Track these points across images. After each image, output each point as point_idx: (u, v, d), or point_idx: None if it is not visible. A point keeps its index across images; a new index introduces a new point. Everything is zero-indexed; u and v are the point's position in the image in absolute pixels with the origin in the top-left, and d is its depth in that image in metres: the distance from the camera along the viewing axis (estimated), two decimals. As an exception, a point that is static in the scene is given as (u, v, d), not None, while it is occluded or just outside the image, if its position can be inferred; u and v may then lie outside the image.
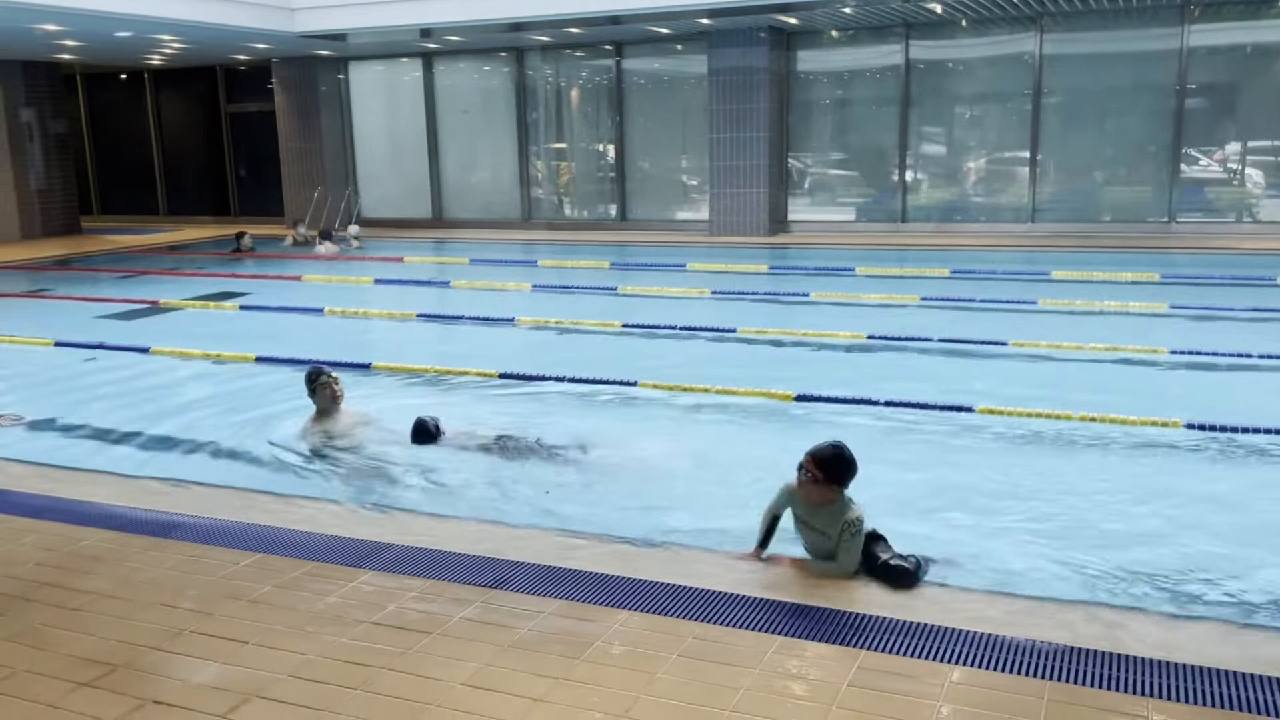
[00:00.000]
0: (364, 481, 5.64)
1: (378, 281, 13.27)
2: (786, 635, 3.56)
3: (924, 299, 10.72)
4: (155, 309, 11.34)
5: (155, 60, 20.18)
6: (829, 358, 8.59)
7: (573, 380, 7.49)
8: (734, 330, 9.32)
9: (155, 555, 4.38)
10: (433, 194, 19.57)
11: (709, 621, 3.67)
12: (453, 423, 6.33)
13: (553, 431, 6.29)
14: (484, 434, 6.23)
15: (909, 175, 16.71)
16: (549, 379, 7.57)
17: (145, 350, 8.89)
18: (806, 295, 11.25)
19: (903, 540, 4.22)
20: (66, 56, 18.79)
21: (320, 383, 6.28)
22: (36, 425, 6.82)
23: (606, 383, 7.43)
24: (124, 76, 22.48)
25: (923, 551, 4.19)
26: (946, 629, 3.58)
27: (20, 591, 4.04)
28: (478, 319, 10.13)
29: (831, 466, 4.12)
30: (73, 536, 4.61)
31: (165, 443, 6.43)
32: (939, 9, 14.67)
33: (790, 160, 17.31)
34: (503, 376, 7.71)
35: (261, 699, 3.23)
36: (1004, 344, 8.45)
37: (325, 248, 16.18)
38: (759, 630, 3.60)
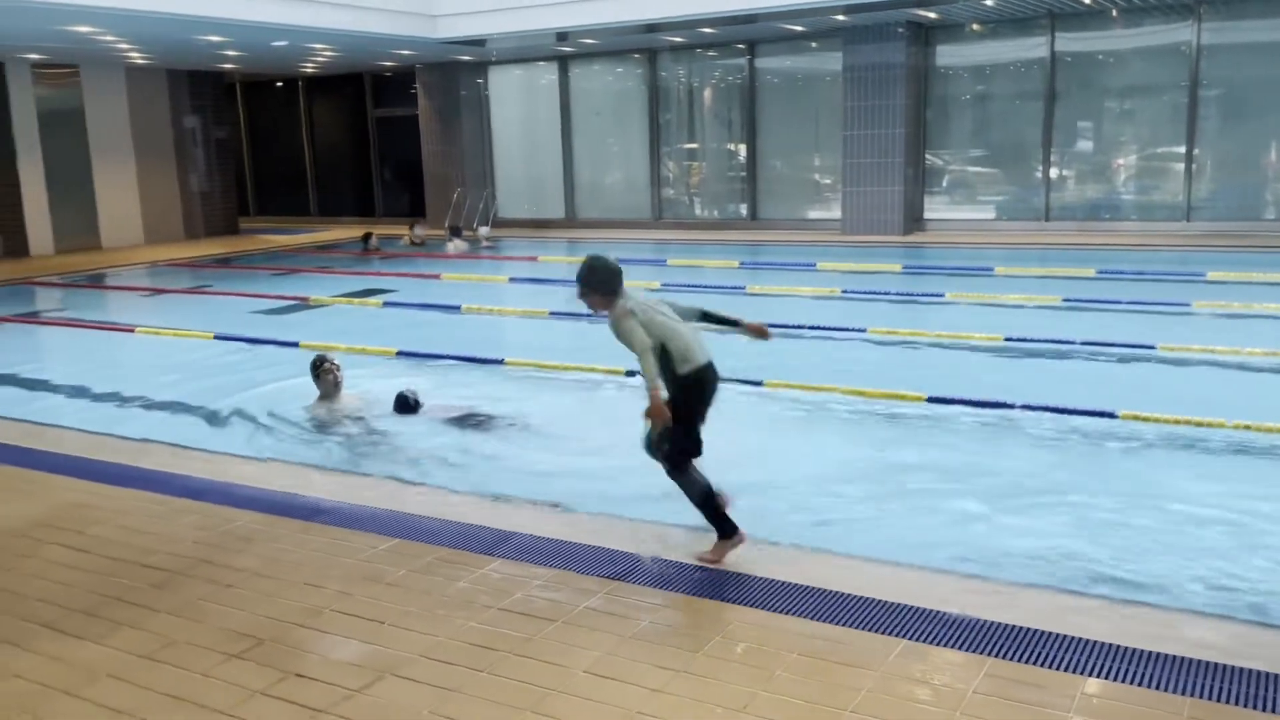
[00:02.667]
0: (472, 469, 5.81)
1: (512, 280, 13.60)
2: (911, 639, 3.51)
3: (1067, 300, 10.32)
4: (305, 305, 11.92)
5: (308, 68, 21.20)
6: (964, 359, 8.37)
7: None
8: (864, 330, 9.17)
9: (301, 537, 4.63)
10: (566, 194, 19.92)
11: (831, 622, 3.64)
12: (431, 399, 6.93)
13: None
14: (461, 408, 6.81)
15: (1054, 172, 16.09)
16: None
17: (295, 345, 9.36)
18: (941, 295, 10.97)
19: (1046, 543, 4.09)
20: (228, 66, 19.94)
21: (324, 369, 6.90)
22: (196, 412, 7.27)
23: (732, 380, 7.42)
24: (279, 84, 23.69)
25: (1071, 563, 4.05)
26: (1080, 639, 3.46)
27: (180, 568, 4.33)
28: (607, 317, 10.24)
29: (581, 278, 4.28)
30: (226, 517, 4.91)
31: (307, 432, 6.76)
32: (1089, 0, 14.08)
33: (927, 157, 16.91)
34: (629, 374, 7.80)
35: (395, 677, 3.38)
36: (1152, 347, 8.06)
37: (454, 245, 16.65)
38: (883, 633, 3.56)
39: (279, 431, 6.72)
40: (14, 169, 17.22)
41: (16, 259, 17.11)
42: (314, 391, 7.07)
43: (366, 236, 17.33)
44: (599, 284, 4.26)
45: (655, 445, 4.22)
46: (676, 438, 4.15)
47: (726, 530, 4.19)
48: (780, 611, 3.73)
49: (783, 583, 3.97)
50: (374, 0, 15.15)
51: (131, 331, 10.53)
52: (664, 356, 4.13)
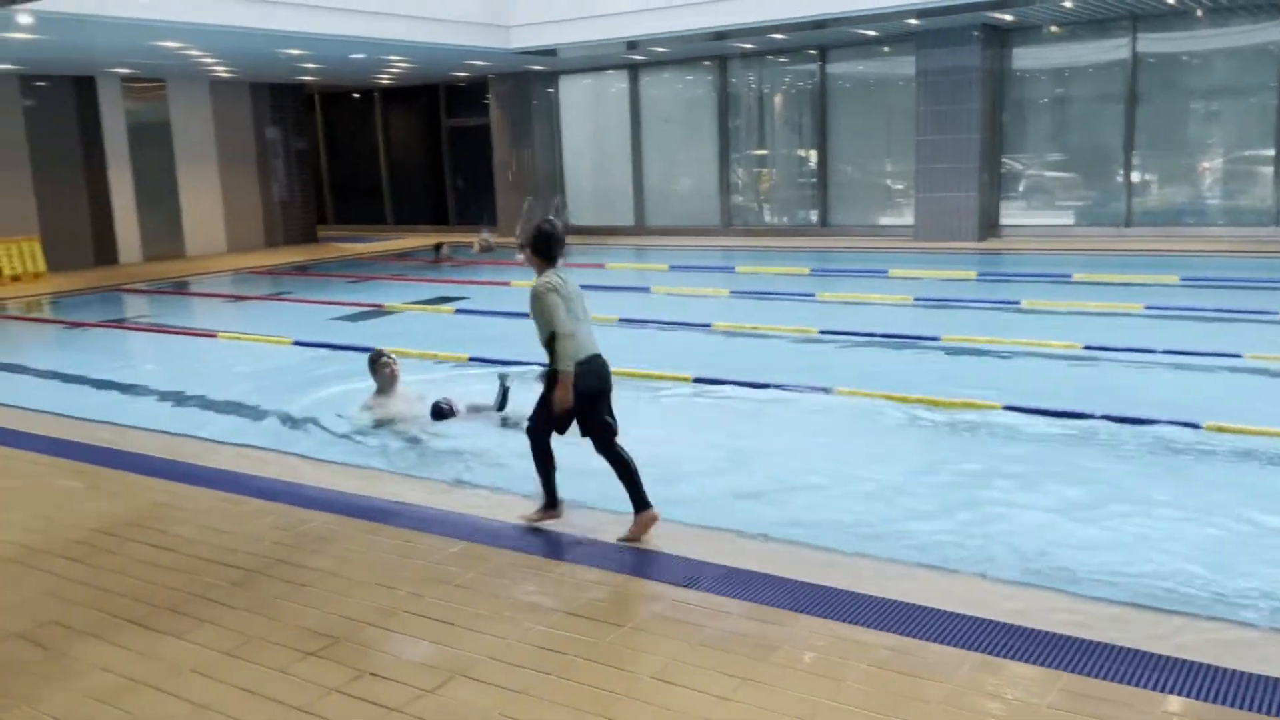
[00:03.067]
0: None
1: (581, 287, 13.66)
2: (984, 652, 3.44)
3: (1149, 308, 10.04)
4: (380, 311, 12.15)
5: (384, 79, 21.64)
6: (1041, 368, 8.19)
7: (764, 386, 7.48)
8: (937, 338, 9.04)
9: (373, 539, 4.72)
10: (635, 202, 20.00)
11: (900, 633, 3.60)
12: (461, 403, 7.06)
13: (732, 437, 6.30)
14: (486, 407, 6.96)
15: (1135, 176, 15.67)
16: (741, 384, 7.59)
17: (369, 350, 9.52)
18: (1017, 303, 10.76)
19: (1125, 556, 3.98)
20: (307, 78, 20.45)
21: (381, 363, 7.10)
22: (273, 415, 7.45)
23: (800, 389, 7.38)
24: (356, 95, 24.23)
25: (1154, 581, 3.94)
26: (1162, 656, 3.36)
27: (258, 566, 4.45)
28: (674, 324, 10.28)
29: (531, 234, 4.76)
30: (301, 518, 5.03)
31: (376, 435, 6.87)
32: (1172, 0, 13.73)
33: (1004, 162, 16.60)
34: (697, 381, 7.80)
35: (465, 678, 3.42)
36: (1238, 356, 7.80)
37: (525, 254, 16.83)
38: (954, 645, 3.50)
39: (351, 435, 6.85)
40: (105, 180, 17.89)
41: (107, 266, 17.76)
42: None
43: (438, 245, 17.63)
44: (543, 247, 4.75)
45: (534, 420, 4.69)
46: (542, 415, 4.67)
47: (551, 501, 4.79)
48: (850, 621, 3.69)
49: (851, 593, 3.93)
50: (450, 12, 15.42)
51: (214, 337, 10.84)
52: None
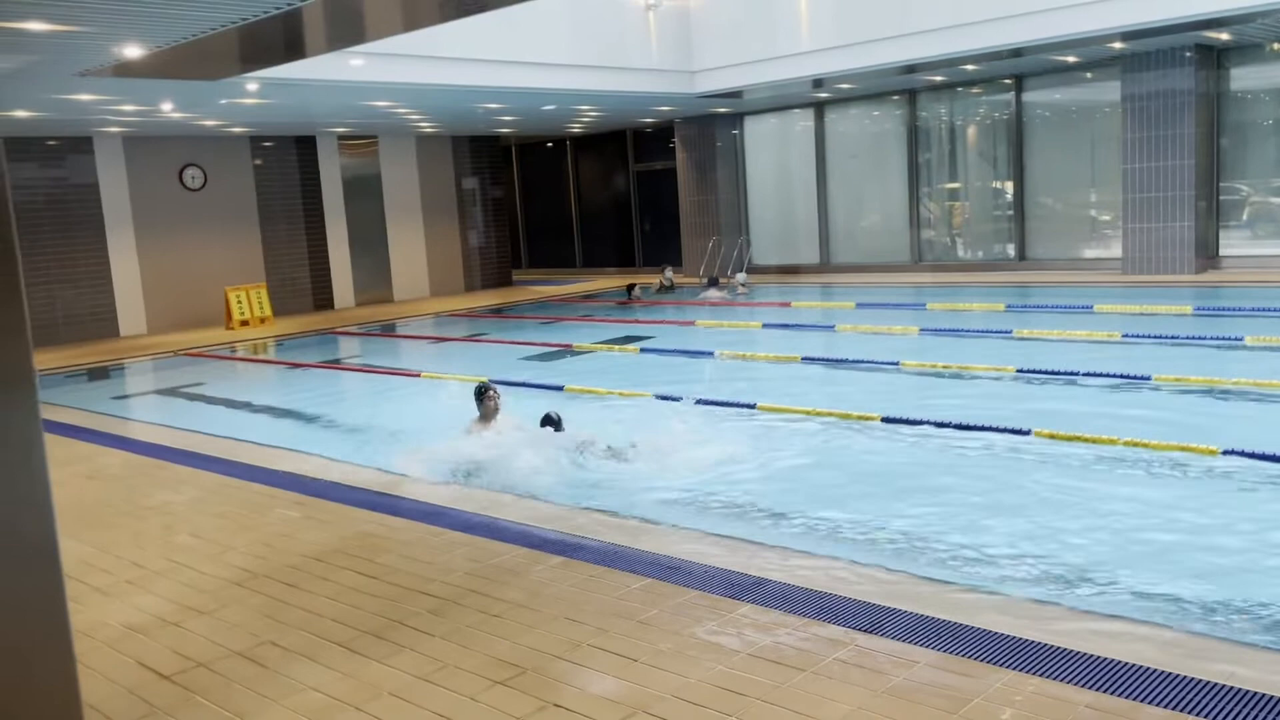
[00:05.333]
0: (710, 512, 5.83)
1: (766, 326, 13.65)
2: (1202, 716, 3.17)
3: (1396, 343, 9.08)
4: (569, 351, 12.52)
5: (575, 128, 22.45)
6: (1265, 410, 7.53)
7: (958, 426, 7.22)
8: (1148, 378, 8.47)
9: (560, 572, 4.84)
10: (821, 239, 19.82)
11: (1107, 692, 3.36)
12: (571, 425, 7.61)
13: (929, 481, 6.09)
14: (592, 437, 7.39)
15: (1378, 199, 14.26)
16: (932, 424, 7.35)
17: (559, 388, 9.84)
18: (1240, 339, 9.96)
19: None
20: (504, 130, 21.48)
21: (486, 395, 7.92)
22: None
23: (996, 430, 7.07)
24: (549, 145, 25.23)
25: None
26: None
27: (453, 596, 4.64)
28: (861, 362, 10.09)
29: None
30: (493, 550, 5.21)
31: (561, 469, 7.05)
32: None
33: (1223, 189, 15.47)
34: (886, 421, 7.61)
35: (647, 714, 3.44)
36: None
37: (711, 294, 16.96)
38: (1168, 708, 3.24)
39: (536, 469, 7.07)
40: (323, 231, 19.34)
41: (324, 311, 19.15)
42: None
43: (630, 287, 18.05)
44: None
45: None
46: None
47: None
48: (1048, 676, 3.49)
49: (1052, 646, 3.71)
50: (638, 61, 15.88)
51: (417, 376, 11.46)
52: None
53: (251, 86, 12.15)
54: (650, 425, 7.97)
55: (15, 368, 1.75)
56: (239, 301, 17.20)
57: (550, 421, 7.63)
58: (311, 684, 3.85)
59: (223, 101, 13.43)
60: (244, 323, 17.11)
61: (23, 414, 1.74)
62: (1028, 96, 17.03)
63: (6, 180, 1.79)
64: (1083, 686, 3.41)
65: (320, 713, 3.62)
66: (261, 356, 14.66)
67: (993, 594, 4.31)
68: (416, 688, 3.75)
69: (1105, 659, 3.59)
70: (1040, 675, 3.50)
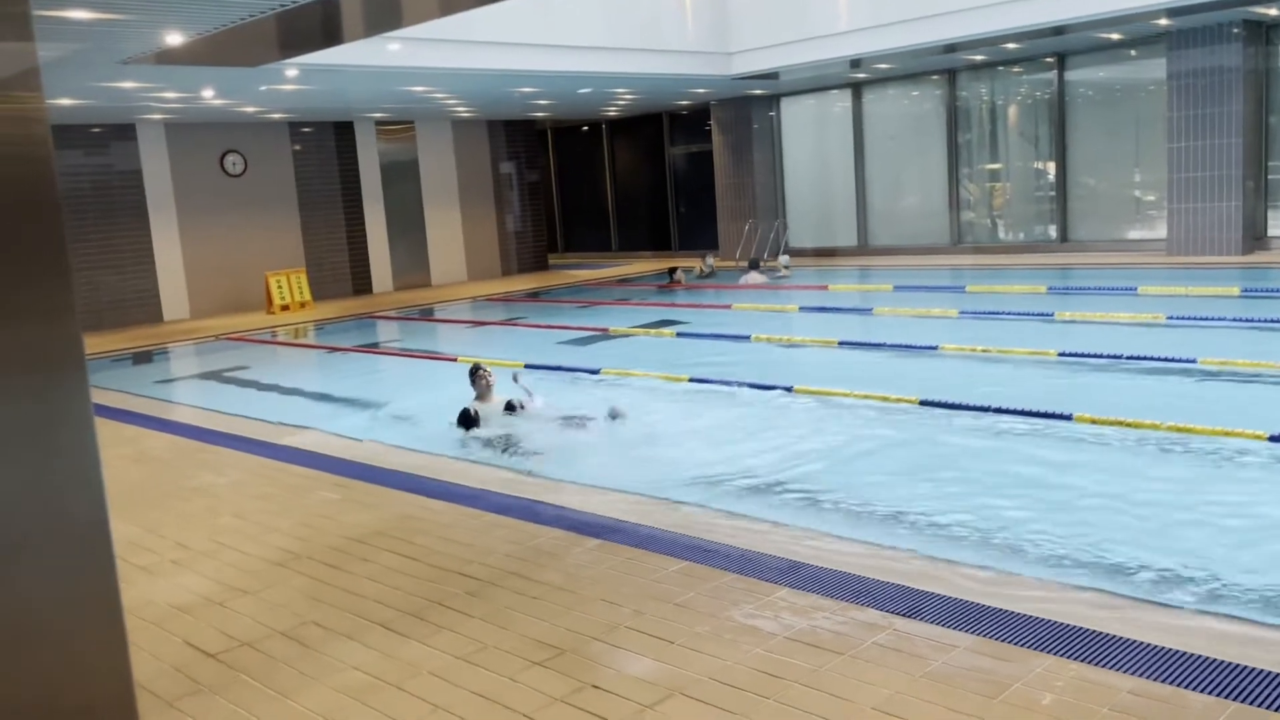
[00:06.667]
0: (753, 494, 5.82)
1: (802, 309, 13.57)
2: (1246, 703, 3.13)
3: None
4: (605, 335, 12.54)
5: (611, 112, 22.40)
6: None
7: (997, 411, 7.14)
8: (1194, 360, 8.33)
9: (598, 555, 4.86)
10: (858, 222, 19.66)
11: (1148, 678, 3.33)
12: (535, 402, 7.92)
13: (959, 467, 6.04)
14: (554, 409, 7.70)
15: None
16: (971, 408, 7.29)
17: (596, 371, 9.86)
18: (1288, 321, 9.77)
19: None
20: (540, 114, 21.49)
21: (479, 374, 8.15)
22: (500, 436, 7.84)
23: (1036, 414, 7.00)
24: (585, 128, 25.20)
25: None
26: None
27: (491, 578, 4.69)
28: (899, 346, 10.01)
29: None
30: (531, 533, 5.25)
31: (593, 453, 7.08)
32: None
33: (1271, 169, 15.13)
34: (923, 404, 7.55)
35: (684, 696, 3.46)
36: None
37: (752, 277, 16.89)
38: (1212, 694, 3.20)
39: (568, 453, 7.10)
40: (361, 216, 19.50)
41: (363, 295, 19.32)
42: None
43: (672, 270, 18.03)
44: None
45: None
46: None
47: None
48: (1088, 662, 3.46)
49: (1092, 631, 3.68)
50: (673, 43, 15.81)
51: (454, 360, 11.54)
52: None
53: (290, 73, 12.25)
54: (685, 408, 7.98)
55: (67, 351, 1.78)
56: (279, 286, 17.40)
57: (511, 407, 7.84)
58: (353, 663, 3.91)
59: (262, 88, 13.55)
60: (284, 307, 17.31)
61: (76, 398, 1.78)
62: (1070, 75, 16.75)
63: (54, 168, 1.82)
64: (1125, 672, 3.38)
65: (362, 691, 3.68)
66: (302, 341, 14.83)
67: (1032, 579, 4.27)
68: (456, 668, 3.80)
69: (1148, 645, 3.55)
70: (1081, 660, 3.48)
